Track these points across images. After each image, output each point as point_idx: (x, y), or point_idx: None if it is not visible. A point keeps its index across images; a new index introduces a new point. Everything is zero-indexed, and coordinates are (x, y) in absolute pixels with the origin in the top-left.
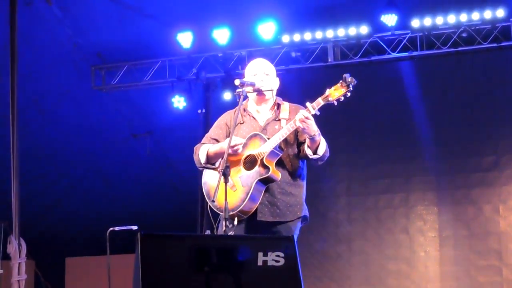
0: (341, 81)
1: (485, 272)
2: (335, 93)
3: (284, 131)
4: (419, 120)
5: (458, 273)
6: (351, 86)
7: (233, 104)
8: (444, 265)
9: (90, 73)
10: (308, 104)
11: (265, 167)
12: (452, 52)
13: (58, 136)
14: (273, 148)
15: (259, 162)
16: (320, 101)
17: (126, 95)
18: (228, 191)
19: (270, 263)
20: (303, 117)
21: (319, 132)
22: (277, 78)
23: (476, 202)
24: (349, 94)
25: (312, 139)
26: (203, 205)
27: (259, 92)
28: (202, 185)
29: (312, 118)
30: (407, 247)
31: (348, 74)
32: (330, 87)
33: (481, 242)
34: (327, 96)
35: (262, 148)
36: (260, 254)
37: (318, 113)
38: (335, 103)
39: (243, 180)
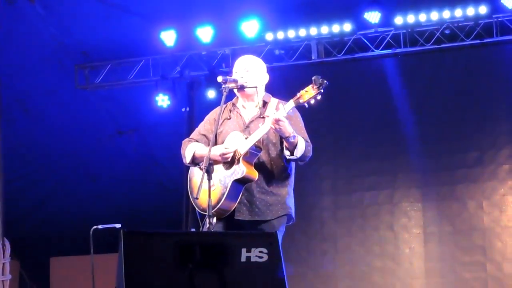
0: (312, 83)
1: (470, 268)
2: (306, 95)
3: (259, 132)
4: (403, 117)
5: (443, 269)
6: (321, 88)
7: (217, 102)
8: (429, 261)
9: (74, 72)
10: (280, 105)
11: (241, 167)
12: (436, 49)
13: (43, 134)
14: (250, 149)
15: (236, 162)
16: (291, 103)
17: (111, 94)
18: (207, 190)
19: (253, 259)
20: (274, 120)
21: (295, 133)
22: (266, 75)
23: (461, 199)
24: (319, 96)
25: (287, 140)
26: (188, 202)
27: (241, 89)
28: (188, 181)
29: (285, 120)
30: (392, 243)
31: (319, 76)
32: (301, 89)
33: (466, 238)
34: (298, 98)
35: (239, 148)
36: (244, 250)
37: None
38: (306, 105)
39: (221, 180)
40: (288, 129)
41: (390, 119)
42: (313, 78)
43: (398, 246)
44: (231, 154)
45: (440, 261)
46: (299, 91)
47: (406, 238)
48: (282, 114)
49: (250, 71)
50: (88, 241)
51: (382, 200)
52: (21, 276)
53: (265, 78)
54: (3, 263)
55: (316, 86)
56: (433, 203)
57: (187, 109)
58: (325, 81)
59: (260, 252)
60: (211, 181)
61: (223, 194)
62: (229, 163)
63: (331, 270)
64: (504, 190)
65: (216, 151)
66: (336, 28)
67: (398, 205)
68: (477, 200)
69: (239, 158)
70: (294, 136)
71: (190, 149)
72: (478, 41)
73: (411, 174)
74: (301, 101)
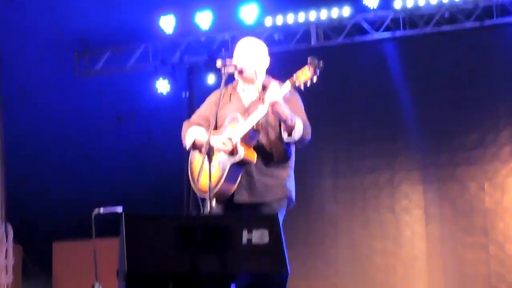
0: (307, 64)
1: (472, 249)
2: (302, 76)
3: (256, 114)
4: (403, 100)
5: (445, 250)
6: (317, 69)
7: (217, 87)
8: (430, 242)
9: (74, 59)
10: (277, 87)
11: (238, 150)
12: (435, 32)
13: (44, 121)
14: (248, 132)
15: (233, 145)
16: (287, 85)
17: (110, 80)
18: (207, 174)
19: (254, 241)
20: (271, 102)
21: (293, 115)
22: (268, 58)
23: (461, 180)
24: (315, 78)
25: (285, 122)
26: (188, 186)
27: (240, 72)
28: (188, 164)
29: (282, 102)
30: (393, 226)
31: (314, 57)
32: (297, 70)
33: (467, 220)
34: (294, 80)
35: (236, 131)
36: (245, 232)
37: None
38: (302, 86)
39: (220, 162)
40: (285, 111)
41: (390, 102)
42: (308, 58)
43: (399, 228)
44: (229, 149)
45: (442, 242)
46: (295, 72)
47: (407, 220)
48: (279, 96)
49: (250, 54)
50: (90, 224)
51: (382, 182)
52: (23, 260)
53: (265, 61)
54: (6, 248)
55: (312, 67)
56: (434, 184)
57: (187, 94)
58: (321, 61)
59: (261, 233)
60: (210, 164)
61: (222, 177)
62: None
63: (332, 252)
64: (506, 171)
65: (215, 142)
66: (335, 12)
67: (399, 187)
68: (478, 182)
69: (236, 142)
70: (291, 119)
71: (190, 135)
72: (478, 24)
73: (412, 156)
74: (297, 83)
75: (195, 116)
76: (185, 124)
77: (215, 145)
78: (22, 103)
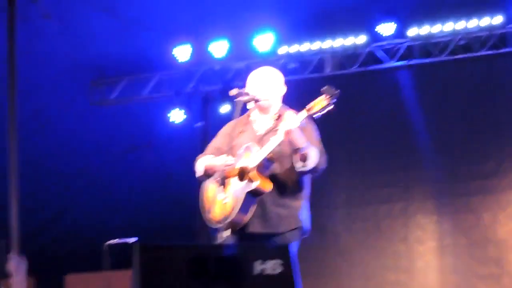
0: (323, 93)
1: (485, 281)
2: (318, 105)
3: (271, 143)
4: (418, 129)
5: (459, 281)
6: (333, 98)
7: (231, 116)
8: (444, 273)
9: (89, 88)
10: (293, 116)
11: (254, 179)
12: (450, 60)
13: (58, 150)
14: (262, 161)
15: (248, 174)
16: (303, 113)
17: (125, 109)
18: (220, 203)
19: (267, 271)
20: (286, 130)
21: (308, 144)
22: (283, 86)
23: (476, 210)
24: (331, 107)
25: (299, 151)
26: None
27: (255, 101)
28: (200, 195)
29: (297, 131)
30: (407, 256)
31: (331, 86)
32: (312, 99)
33: (481, 250)
34: (310, 108)
35: (251, 160)
36: (257, 263)
37: (303, 124)
38: (319, 114)
39: (234, 192)
40: (300, 140)
41: (405, 131)
42: (324, 88)
43: (413, 259)
44: (232, 165)
45: (456, 273)
46: (311, 101)
47: (420, 251)
48: (294, 124)
49: (265, 83)
50: (103, 256)
51: (396, 212)
52: None
53: (281, 89)
54: (20, 280)
55: (328, 96)
56: (448, 215)
57: (202, 124)
58: (337, 91)
59: (274, 264)
60: (223, 193)
61: (235, 207)
62: (242, 175)
63: (345, 284)
64: None
65: (219, 161)
66: (350, 41)
67: (413, 217)
68: (492, 212)
69: (251, 171)
70: (306, 147)
71: (201, 162)
72: (493, 51)
73: (426, 186)
74: (312, 111)
75: (209, 148)
76: (198, 157)
77: (220, 161)
78: (37, 132)
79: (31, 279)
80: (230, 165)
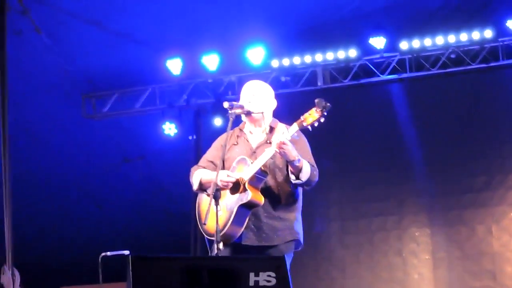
0: (315, 106)
1: None
2: (310, 118)
3: (264, 156)
4: (410, 142)
5: None
6: (325, 110)
7: (224, 129)
8: (438, 286)
9: (81, 102)
10: (284, 129)
11: (246, 192)
12: (441, 74)
13: (50, 163)
14: (255, 173)
15: (241, 187)
16: (295, 126)
17: (117, 122)
18: (214, 216)
19: (261, 283)
20: (278, 143)
21: (300, 157)
22: (274, 100)
23: (469, 223)
24: (323, 119)
25: (292, 164)
26: (196, 229)
27: (247, 114)
28: (196, 207)
29: (289, 143)
30: (401, 269)
31: (322, 99)
32: (304, 112)
33: (475, 263)
34: (301, 121)
35: (244, 173)
36: (252, 275)
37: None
38: (310, 128)
39: (228, 205)
40: (292, 152)
41: (397, 144)
42: (316, 100)
43: (407, 272)
44: (231, 183)
45: (449, 286)
46: (302, 114)
47: (414, 263)
48: (286, 137)
49: (257, 96)
50: (97, 268)
51: (390, 225)
52: None
53: (272, 103)
54: None
55: (320, 109)
56: (442, 228)
57: (194, 137)
58: (328, 104)
59: (268, 276)
60: (217, 206)
61: (229, 220)
62: (235, 188)
63: None
64: None
65: (220, 177)
66: (341, 54)
67: (406, 230)
68: (486, 225)
69: (244, 183)
70: (299, 160)
71: (197, 175)
72: (484, 65)
73: (419, 199)
74: (304, 124)
75: (202, 161)
76: (192, 169)
77: (220, 177)
78: (29, 145)
79: None
80: (228, 183)
